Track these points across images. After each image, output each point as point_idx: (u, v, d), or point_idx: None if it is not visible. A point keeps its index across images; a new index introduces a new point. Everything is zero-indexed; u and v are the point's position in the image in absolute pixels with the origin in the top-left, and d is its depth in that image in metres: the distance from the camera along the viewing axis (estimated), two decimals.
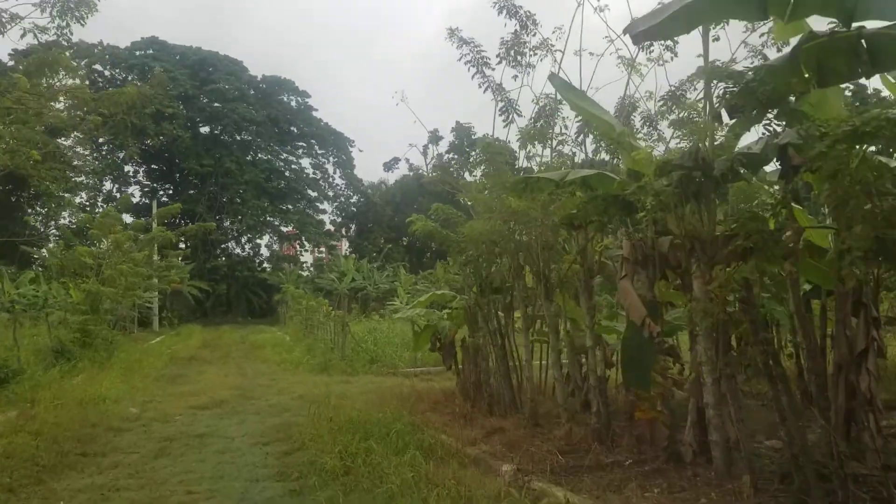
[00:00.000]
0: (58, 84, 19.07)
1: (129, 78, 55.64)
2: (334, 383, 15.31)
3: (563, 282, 8.58)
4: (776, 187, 6.72)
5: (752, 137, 6.36)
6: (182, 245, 56.68)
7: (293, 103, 62.12)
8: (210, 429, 10.45)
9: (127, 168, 58.40)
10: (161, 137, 53.47)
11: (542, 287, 8.46)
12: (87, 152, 54.50)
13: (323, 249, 64.44)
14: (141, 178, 60.63)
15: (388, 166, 78.94)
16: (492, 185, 9.32)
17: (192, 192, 56.98)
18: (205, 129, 59.52)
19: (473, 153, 13.88)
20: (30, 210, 47.33)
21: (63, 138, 50.26)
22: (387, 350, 18.97)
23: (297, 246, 63.53)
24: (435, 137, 79.09)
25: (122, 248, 22.30)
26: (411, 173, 79.18)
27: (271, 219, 60.23)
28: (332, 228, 65.60)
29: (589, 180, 7.25)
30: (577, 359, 8.96)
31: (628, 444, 7.23)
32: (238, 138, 60.10)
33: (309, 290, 39.67)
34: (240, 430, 10.29)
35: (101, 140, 54.16)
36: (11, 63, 53.33)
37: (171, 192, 59.92)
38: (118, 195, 52.56)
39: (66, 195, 42.12)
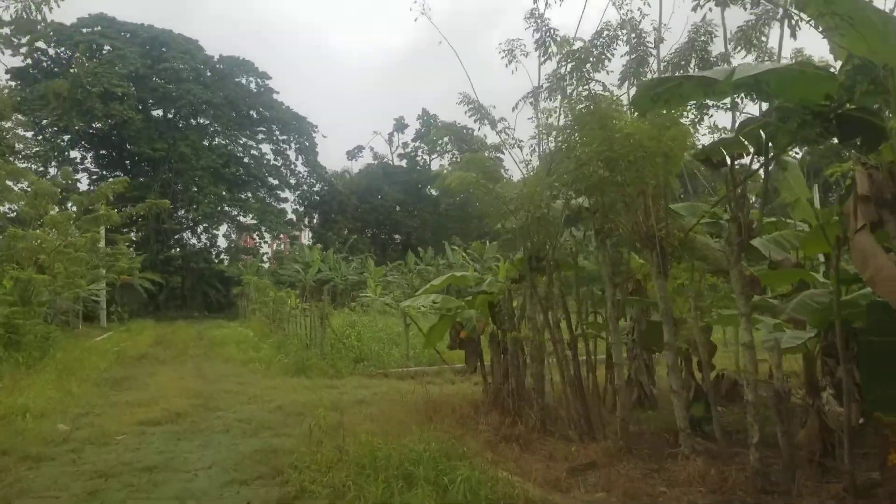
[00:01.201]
0: None
1: (76, 56, 51.85)
2: (318, 388, 12.63)
3: (685, 247, 6.06)
4: None
5: None
6: (133, 235, 53.23)
7: (252, 85, 58.64)
8: (163, 457, 7.75)
9: (73, 154, 54.46)
10: (110, 119, 49.84)
11: (655, 256, 5.93)
12: (28, 135, 50.90)
13: (285, 239, 61.17)
14: (89, 165, 56.55)
15: (352, 155, 76.25)
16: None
17: (143, 178, 53.03)
18: (157, 112, 55.76)
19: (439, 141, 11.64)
20: None
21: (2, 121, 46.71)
22: (372, 347, 16.32)
23: (257, 237, 60.07)
24: (400, 125, 76.73)
25: (60, 230, 19.16)
26: (376, 161, 76.64)
27: (229, 208, 56.74)
28: (294, 218, 62.33)
29: (770, 80, 4.68)
30: (677, 361, 6.47)
31: None
32: (193, 122, 56.51)
33: (271, 283, 36.64)
34: (204, 459, 7.61)
35: (44, 122, 50.46)
36: None
37: (125, 187, 55.98)
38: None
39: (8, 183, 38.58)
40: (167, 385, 13.64)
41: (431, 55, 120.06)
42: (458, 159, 8.51)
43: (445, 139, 70.38)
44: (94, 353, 19.36)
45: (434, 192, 74.06)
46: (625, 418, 6.45)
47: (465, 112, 8.53)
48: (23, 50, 52.56)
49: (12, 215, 30.77)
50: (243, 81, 58.24)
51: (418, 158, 75.10)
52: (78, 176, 54.98)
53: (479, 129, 9.51)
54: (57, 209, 20.01)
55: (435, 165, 74.87)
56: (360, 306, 31.90)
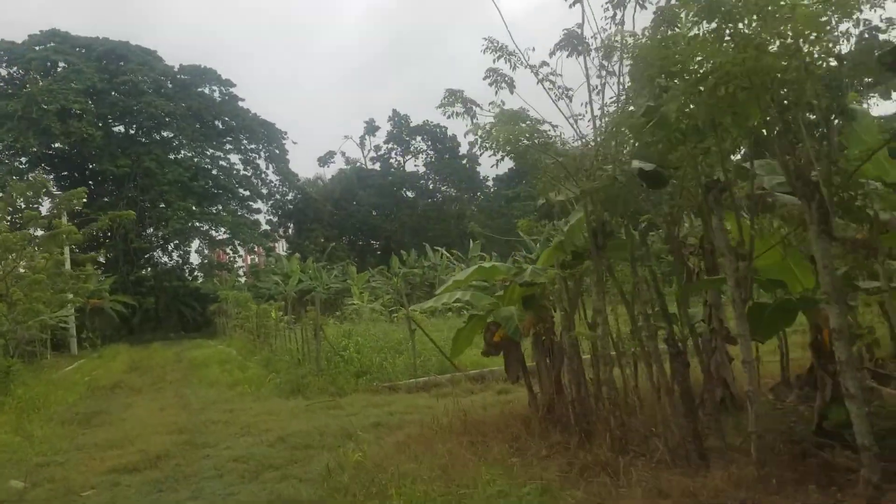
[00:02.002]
0: None
1: (29, 74, 49.42)
2: (319, 411, 10.96)
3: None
4: None
5: None
6: (101, 257, 50.86)
7: (216, 94, 56.45)
8: None
9: (32, 177, 51.84)
10: (69, 138, 47.48)
11: (813, 208, 4.29)
12: None
13: (260, 252, 58.97)
14: (51, 188, 53.97)
15: (324, 160, 74.22)
16: None
17: (107, 198, 50.57)
18: (118, 127, 53.49)
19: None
20: None
21: None
22: (373, 358, 14.60)
23: (230, 251, 57.78)
24: (371, 128, 74.90)
25: (17, 253, 17.16)
26: (348, 167, 74.73)
27: (200, 223, 54.46)
28: (269, 229, 60.19)
29: None
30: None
31: None
32: (157, 136, 54.22)
33: (250, 297, 34.72)
34: None
35: None
36: None
37: (84, 200, 53.57)
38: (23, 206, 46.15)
39: None
40: (145, 419, 11.88)
41: (397, 53, 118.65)
42: (498, 111, 6.75)
43: (419, 139, 68.76)
44: (62, 386, 17.52)
45: (410, 194, 72.55)
46: (761, 434, 4.86)
47: (495, 59, 6.89)
48: None
49: None
50: (206, 91, 56.11)
51: (392, 161, 73.43)
52: (39, 202, 52.64)
53: (497, 92, 7.85)
54: (9, 224, 17.91)
55: (409, 167, 73.38)
56: (347, 315, 30.13)
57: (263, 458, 7.91)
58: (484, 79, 8.59)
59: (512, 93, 8.41)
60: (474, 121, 8.12)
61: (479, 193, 76.76)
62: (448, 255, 47.15)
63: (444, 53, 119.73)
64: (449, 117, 8.52)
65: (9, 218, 24.27)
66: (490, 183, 79.29)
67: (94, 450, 9.46)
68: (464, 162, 73.58)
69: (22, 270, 20.59)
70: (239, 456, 8.16)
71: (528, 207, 70.96)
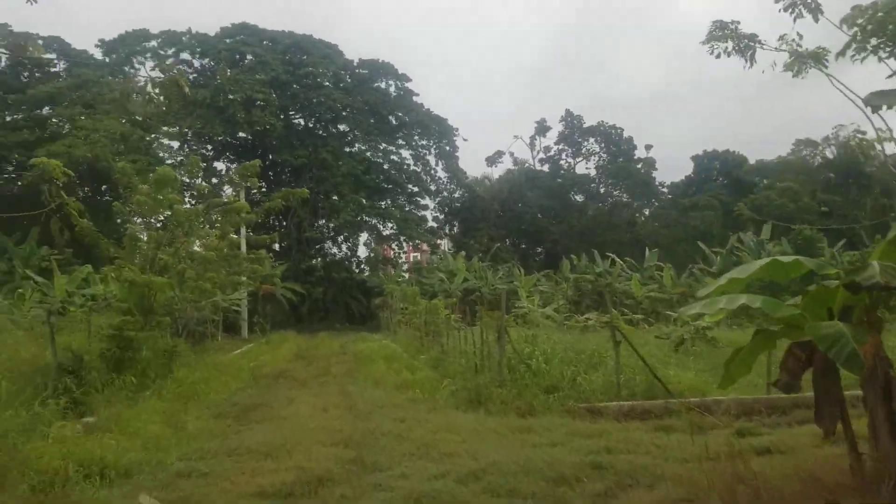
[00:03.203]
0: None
1: (219, 65, 51.55)
2: (510, 433, 8.82)
3: None
4: None
5: None
6: (275, 245, 52.07)
7: (392, 89, 56.42)
8: None
9: (218, 165, 54.22)
10: (252, 127, 48.93)
11: None
12: (174, 144, 50.99)
13: (423, 249, 58.26)
14: (233, 176, 56.12)
15: (492, 160, 72.59)
16: None
17: (284, 189, 51.83)
18: (298, 119, 54.70)
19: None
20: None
21: (150, 134, 46.66)
22: (564, 371, 12.30)
23: (395, 247, 57.46)
24: (542, 128, 72.41)
25: (186, 225, 16.42)
26: (516, 167, 72.71)
27: (368, 218, 54.53)
28: (435, 225, 59.39)
29: None
30: None
31: None
32: (333, 129, 54.96)
33: (417, 291, 33.46)
34: None
35: (188, 136, 50.34)
36: (99, 53, 50.51)
37: (264, 189, 55.16)
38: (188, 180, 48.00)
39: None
40: (306, 419, 10.30)
41: (571, 55, 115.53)
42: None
43: (591, 140, 65.53)
44: (226, 371, 16.62)
45: (579, 198, 69.38)
46: None
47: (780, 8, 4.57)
48: (168, 62, 53.53)
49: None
50: (383, 85, 56.18)
51: (562, 162, 70.65)
52: (223, 188, 54.79)
53: (795, 20, 5.32)
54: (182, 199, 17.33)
55: (580, 169, 70.28)
56: (515, 319, 27.99)
57: (453, 501, 5.86)
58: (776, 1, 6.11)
59: (817, 20, 5.89)
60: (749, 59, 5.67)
61: (653, 200, 72.39)
62: (622, 262, 44.00)
63: (618, 58, 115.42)
64: (717, 56, 6.07)
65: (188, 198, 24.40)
66: (664, 190, 74.70)
67: (245, 457, 7.89)
68: (639, 166, 69.61)
69: (197, 248, 20.20)
70: (420, 493, 6.14)
71: (706, 218, 66.06)
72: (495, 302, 37.70)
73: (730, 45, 6.36)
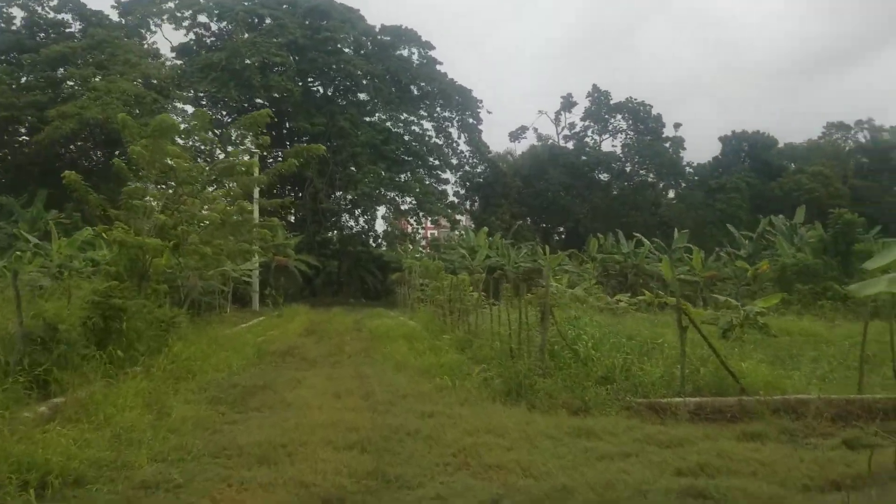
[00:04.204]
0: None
1: (236, 27, 49.69)
2: (567, 437, 7.08)
3: None
4: None
5: None
6: (290, 217, 50.47)
7: (415, 57, 54.28)
8: None
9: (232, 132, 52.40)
10: (268, 92, 47.10)
11: None
12: (188, 108, 49.33)
13: (442, 225, 56.29)
14: (247, 144, 54.38)
15: (515, 136, 70.50)
16: None
17: (301, 159, 49.97)
18: (316, 86, 52.82)
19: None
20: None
21: (164, 96, 45.10)
22: (616, 360, 10.52)
23: (414, 221, 55.54)
24: (568, 103, 69.96)
25: (191, 184, 14.71)
26: (540, 143, 70.46)
27: (386, 191, 52.62)
28: (456, 200, 57.36)
29: None
30: None
31: None
32: (352, 97, 53.06)
33: (441, 266, 31.73)
34: None
35: (203, 100, 48.67)
36: (117, 13, 48.87)
37: (279, 158, 53.40)
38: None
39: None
40: (314, 409, 8.60)
41: (604, 34, 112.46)
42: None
43: (619, 117, 62.88)
44: (229, 347, 14.96)
45: (604, 177, 67.03)
46: None
47: None
48: (185, 24, 51.72)
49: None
50: (405, 53, 54.06)
51: (587, 139, 68.33)
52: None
53: None
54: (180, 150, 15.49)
55: (606, 147, 67.98)
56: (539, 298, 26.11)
57: None
58: None
59: None
60: None
61: (680, 181, 70.06)
62: (649, 243, 42.04)
63: (643, 38, 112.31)
64: None
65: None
66: (691, 171, 72.38)
67: (235, 460, 6.22)
68: (667, 145, 67.20)
69: (205, 212, 18.56)
70: None
71: (733, 200, 63.80)
72: (520, 280, 35.93)
73: None
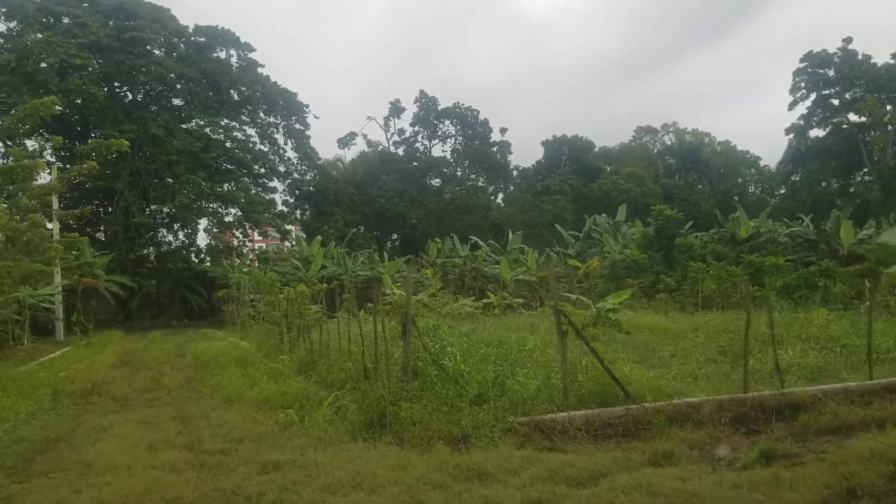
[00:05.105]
0: None
1: (27, 26, 44.17)
2: (458, 485, 5.62)
3: None
4: None
5: None
6: (98, 234, 45.65)
7: (233, 59, 50.97)
8: None
9: (29, 143, 46.51)
10: (68, 96, 42.07)
11: None
12: None
13: (274, 235, 53.28)
14: (47, 155, 48.53)
15: (344, 142, 69.08)
16: None
17: (109, 170, 44.97)
18: (125, 90, 48.21)
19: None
20: None
21: None
22: (487, 373, 9.23)
23: (240, 234, 52.09)
24: (396, 109, 69.28)
25: None
26: (370, 150, 69.33)
27: (208, 204, 48.89)
28: (286, 210, 54.47)
29: None
30: None
31: None
32: (166, 102, 48.93)
33: (276, 278, 29.43)
34: None
35: None
36: None
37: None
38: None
39: None
40: (121, 472, 6.58)
41: (418, 39, 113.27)
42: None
43: (447, 123, 62.97)
44: (20, 387, 12.29)
45: (436, 182, 66.90)
46: None
47: None
48: None
49: None
50: (223, 55, 50.65)
51: (418, 145, 68.14)
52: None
53: None
54: None
55: (436, 152, 67.99)
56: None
57: None
58: None
59: None
60: None
61: (509, 184, 71.73)
62: (485, 246, 42.05)
63: (464, 44, 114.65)
64: None
65: None
66: (518, 174, 74.63)
67: None
68: (494, 149, 68.45)
69: None
70: None
71: (558, 202, 66.22)
72: (359, 292, 34.18)
73: None
